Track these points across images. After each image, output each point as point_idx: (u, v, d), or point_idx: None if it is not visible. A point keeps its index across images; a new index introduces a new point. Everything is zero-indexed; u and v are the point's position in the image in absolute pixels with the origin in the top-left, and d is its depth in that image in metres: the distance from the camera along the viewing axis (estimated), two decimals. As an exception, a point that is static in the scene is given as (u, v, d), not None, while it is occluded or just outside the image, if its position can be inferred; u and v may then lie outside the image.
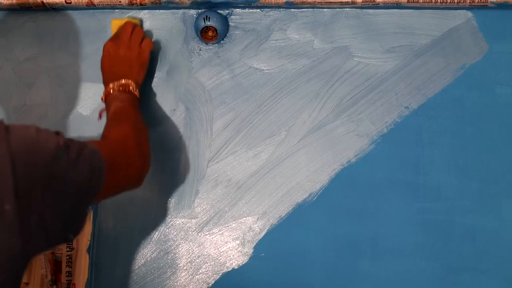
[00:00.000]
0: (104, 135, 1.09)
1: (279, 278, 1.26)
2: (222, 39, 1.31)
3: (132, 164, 1.04)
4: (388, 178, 1.26)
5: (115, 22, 1.30)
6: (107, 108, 1.18)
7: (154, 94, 1.32)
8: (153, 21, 1.33)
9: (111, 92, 1.19)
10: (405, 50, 1.27)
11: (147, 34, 1.32)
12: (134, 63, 1.23)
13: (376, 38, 1.28)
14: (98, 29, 1.34)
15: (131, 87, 1.20)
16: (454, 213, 1.24)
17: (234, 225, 1.28)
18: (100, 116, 1.28)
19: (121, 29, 1.27)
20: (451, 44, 1.26)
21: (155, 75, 1.33)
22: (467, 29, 1.26)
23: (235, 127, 1.30)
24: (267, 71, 1.30)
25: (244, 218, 1.28)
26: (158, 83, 1.32)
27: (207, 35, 1.29)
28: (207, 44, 1.31)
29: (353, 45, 1.28)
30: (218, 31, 1.28)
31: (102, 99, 1.22)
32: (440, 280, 1.23)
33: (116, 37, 1.26)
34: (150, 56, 1.26)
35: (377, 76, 1.27)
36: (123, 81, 1.19)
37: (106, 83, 1.22)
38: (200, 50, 1.32)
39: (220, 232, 1.28)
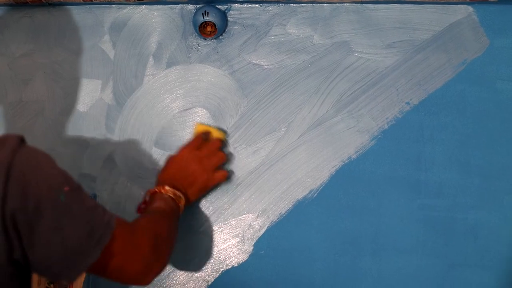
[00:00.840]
0: (135, 220, 1.03)
1: (279, 275, 1.25)
2: (221, 35, 1.30)
3: (139, 259, 0.95)
4: (389, 175, 1.25)
5: (200, 126, 1.25)
6: (151, 203, 1.12)
7: (152, 90, 1.30)
8: (151, 16, 1.32)
9: (163, 193, 1.13)
10: (406, 45, 1.26)
11: (146, 30, 1.31)
12: (197, 184, 1.18)
13: (377, 33, 1.27)
14: (94, 25, 1.33)
15: (181, 203, 1.14)
16: (456, 210, 1.23)
17: (233, 222, 1.27)
18: (139, 210, 1.15)
19: (208, 142, 1.22)
20: (452, 39, 1.25)
21: (155, 71, 1.31)
22: (468, 24, 1.25)
23: (234, 123, 1.28)
24: (266, 67, 1.29)
25: (244, 215, 1.27)
26: (156, 79, 1.31)
27: (205, 30, 1.28)
28: (205, 39, 1.30)
29: (353, 40, 1.27)
30: (217, 26, 1.27)
31: (147, 193, 1.15)
32: (441, 277, 1.23)
33: (197, 144, 1.21)
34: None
35: (378, 71, 1.26)
36: (178, 193, 1.14)
37: (163, 181, 1.16)
38: (199, 45, 1.30)
39: (220, 230, 1.27)
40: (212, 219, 1.27)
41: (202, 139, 1.22)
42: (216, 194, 1.27)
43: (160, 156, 1.29)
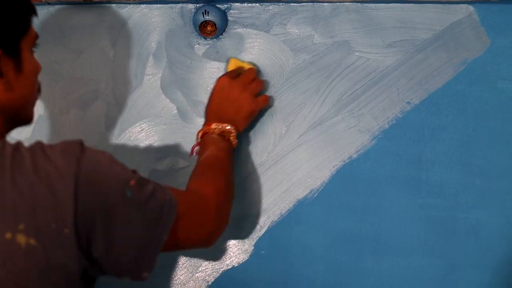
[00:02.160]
0: (190, 184, 1.04)
1: (280, 275, 1.25)
2: (221, 34, 1.29)
3: (207, 224, 0.98)
4: (390, 174, 1.25)
5: (234, 60, 1.26)
6: (202, 148, 1.13)
7: (151, 90, 1.30)
8: (150, 15, 1.31)
9: (211, 133, 1.15)
10: (407, 45, 1.26)
11: (146, 30, 1.31)
12: (244, 109, 1.18)
13: (377, 33, 1.26)
14: (94, 24, 1.32)
15: (231, 136, 1.15)
16: (457, 209, 1.23)
17: (234, 222, 1.27)
18: (192, 153, 1.19)
19: (243, 72, 1.22)
20: (453, 38, 1.25)
21: (154, 71, 1.31)
22: (469, 23, 1.25)
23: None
24: (266, 66, 1.28)
25: (245, 215, 1.27)
26: (156, 78, 1.30)
27: (206, 29, 1.28)
28: (206, 38, 1.29)
29: (354, 40, 1.27)
30: (217, 26, 1.26)
31: (198, 134, 1.17)
32: (442, 276, 1.23)
33: (233, 75, 1.21)
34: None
35: (378, 71, 1.26)
36: (228, 127, 1.15)
37: (209, 120, 1.18)
38: (199, 44, 1.30)
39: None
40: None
41: (236, 72, 1.22)
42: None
43: (160, 156, 1.29)
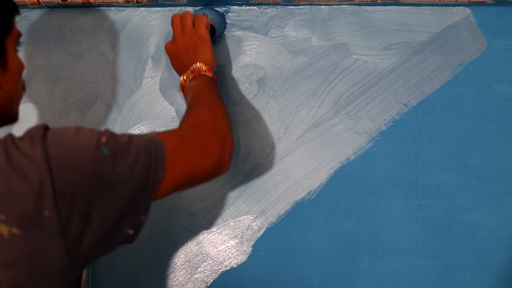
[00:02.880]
0: (179, 123, 1.03)
1: (278, 276, 1.26)
2: (219, 37, 1.30)
3: (208, 149, 0.96)
4: (387, 176, 1.25)
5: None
6: (188, 89, 1.13)
7: (150, 92, 1.31)
8: (149, 18, 1.32)
9: (184, 83, 1.15)
10: (404, 47, 1.27)
11: (145, 33, 1.32)
12: (196, 45, 1.16)
13: (374, 35, 1.27)
14: (94, 27, 1.33)
15: (202, 70, 1.14)
16: (454, 211, 1.24)
17: (232, 223, 1.27)
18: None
19: (172, 24, 1.21)
20: (450, 41, 1.26)
21: (153, 73, 1.31)
22: (465, 26, 1.26)
23: (233, 125, 1.29)
24: (264, 69, 1.29)
25: (243, 217, 1.27)
26: (155, 81, 1.31)
27: (204, 32, 1.28)
28: (204, 41, 1.30)
29: (351, 42, 1.28)
30: (215, 29, 1.27)
31: (181, 93, 1.17)
32: (439, 278, 1.23)
33: (172, 35, 1.21)
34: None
35: (376, 73, 1.27)
36: (192, 67, 1.14)
37: (180, 71, 1.18)
38: (198, 47, 1.31)
39: (219, 231, 1.27)
40: (211, 220, 1.27)
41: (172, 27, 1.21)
42: (215, 195, 1.28)
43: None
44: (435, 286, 1.23)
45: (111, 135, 0.83)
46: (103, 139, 0.81)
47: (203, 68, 1.14)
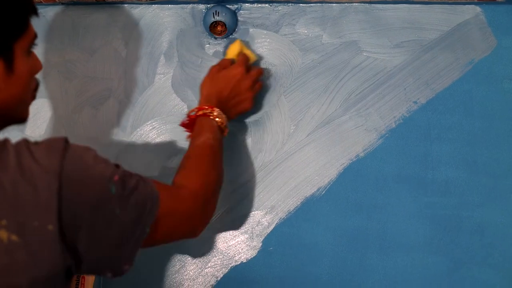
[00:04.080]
0: (179, 173, 1.05)
1: (287, 271, 1.27)
2: (231, 34, 1.31)
3: (192, 219, 1.00)
4: (396, 173, 1.26)
5: (239, 45, 1.25)
6: (199, 131, 1.12)
7: (163, 89, 1.33)
8: (162, 15, 1.33)
9: (213, 118, 1.14)
10: (414, 45, 1.27)
11: (158, 30, 1.33)
12: (242, 106, 1.20)
13: (385, 33, 1.28)
14: (107, 24, 1.35)
15: (226, 126, 1.16)
16: (462, 208, 1.24)
17: (242, 219, 1.29)
18: (183, 125, 1.18)
19: (254, 68, 1.23)
20: (460, 39, 1.26)
21: (166, 70, 1.33)
22: (475, 24, 1.26)
23: (244, 123, 1.30)
24: (275, 66, 1.30)
25: (253, 212, 1.28)
26: (167, 78, 1.33)
27: (216, 30, 1.30)
28: (216, 38, 1.31)
29: (362, 40, 1.29)
30: (227, 26, 1.28)
31: (196, 111, 1.15)
32: (447, 274, 1.24)
33: (246, 66, 1.21)
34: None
35: (386, 70, 1.28)
36: (225, 120, 1.15)
37: (210, 101, 1.16)
38: (209, 44, 1.32)
39: (229, 226, 1.29)
40: (221, 215, 1.29)
41: (247, 64, 1.23)
42: (225, 191, 1.29)
43: (171, 153, 1.31)
44: (443, 283, 1.24)
45: (123, 176, 0.85)
46: (115, 178, 0.83)
47: (225, 124, 1.15)
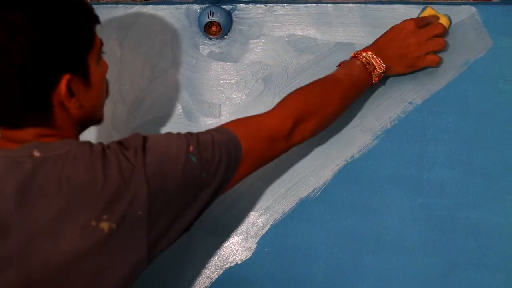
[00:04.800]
0: (288, 96, 1.13)
1: (282, 272, 1.27)
2: (226, 34, 1.31)
3: (279, 141, 1.06)
4: (391, 174, 1.26)
5: (429, 9, 1.24)
6: (343, 66, 1.19)
7: (157, 89, 1.32)
8: (157, 16, 1.33)
9: (358, 58, 1.17)
10: (409, 46, 1.27)
11: (153, 30, 1.33)
12: (408, 58, 1.19)
13: (380, 33, 1.26)
14: (102, 24, 1.33)
15: (375, 72, 1.17)
16: (458, 209, 1.24)
17: (237, 220, 1.28)
18: (339, 65, 1.22)
19: (432, 24, 1.22)
20: (455, 39, 1.26)
21: (160, 70, 1.33)
22: (471, 24, 1.26)
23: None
24: (270, 67, 1.30)
25: (248, 213, 1.28)
26: (161, 79, 1.32)
27: (210, 30, 1.29)
28: (210, 39, 1.31)
29: (357, 41, 1.28)
30: (221, 26, 1.28)
31: (354, 54, 1.20)
32: (443, 275, 1.24)
33: (422, 23, 1.21)
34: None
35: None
36: (376, 62, 1.17)
37: (374, 45, 1.20)
38: (204, 45, 1.32)
39: (224, 227, 1.28)
40: (216, 216, 1.28)
41: (427, 22, 1.22)
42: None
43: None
44: (438, 284, 1.24)
45: (197, 142, 0.93)
46: (191, 148, 0.91)
47: (379, 73, 1.18)
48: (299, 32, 1.30)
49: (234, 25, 1.31)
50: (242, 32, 1.31)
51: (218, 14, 1.27)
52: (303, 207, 1.27)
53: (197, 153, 0.91)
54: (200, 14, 1.30)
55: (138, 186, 0.86)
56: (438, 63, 1.22)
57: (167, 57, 1.33)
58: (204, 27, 1.29)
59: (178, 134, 0.96)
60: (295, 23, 1.30)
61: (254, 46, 1.30)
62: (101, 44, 0.98)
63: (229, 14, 1.30)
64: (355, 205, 1.26)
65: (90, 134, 1.31)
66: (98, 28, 1.31)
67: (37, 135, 0.91)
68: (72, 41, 0.89)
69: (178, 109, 1.32)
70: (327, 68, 1.28)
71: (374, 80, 1.17)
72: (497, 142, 1.24)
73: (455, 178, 1.24)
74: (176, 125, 1.31)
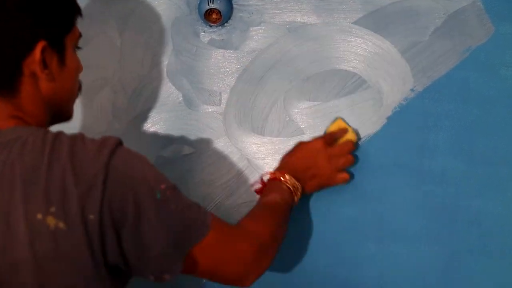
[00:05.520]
0: (243, 219, 1.07)
1: (283, 262, 1.26)
2: (226, 22, 1.30)
3: (244, 257, 0.98)
4: (393, 162, 1.25)
5: (339, 122, 1.24)
6: (267, 191, 1.15)
7: (158, 78, 1.32)
8: (157, 4, 1.32)
9: (283, 182, 1.15)
10: (410, 32, 1.26)
11: (153, 18, 1.32)
12: (320, 179, 1.19)
13: (381, 20, 1.26)
14: (101, 12, 1.34)
15: (297, 197, 1.16)
16: (459, 197, 1.23)
17: (237, 210, 1.28)
18: (257, 191, 1.21)
19: (341, 142, 1.22)
20: (457, 26, 1.24)
21: (161, 59, 1.32)
22: (472, 10, 1.24)
23: (239, 108, 1.29)
24: (272, 54, 1.29)
25: (247, 203, 1.28)
26: (162, 67, 1.32)
27: (211, 17, 1.29)
28: (211, 26, 1.30)
29: (358, 28, 1.27)
30: (222, 14, 1.27)
31: (268, 175, 1.18)
32: (444, 264, 1.23)
33: (331, 140, 1.21)
34: None
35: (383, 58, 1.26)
36: (297, 185, 1.15)
37: (284, 168, 1.18)
38: (204, 32, 1.31)
39: (223, 218, 1.27)
40: (215, 206, 1.28)
41: (335, 137, 1.22)
42: (220, 180, 1.28)
43: (165, 142, 1.30)
44: (440, 273, 1.23)
45: (173, 190, 0.87)
46: (162, 186, 0.85)
47: (299, 195, 1.16)
48: (299, 19, 1.29)
49: (235, 12, 1.30)
50: (242, 19, 1.30)
51: (218, 1, 1.26)
52: (303, 196, 1.26)
53: (164, 194, 0.85)
54: (200, 1, 1.29)
55: (94, 186, 0.79)
56: (348, 181, 1.22)
57: (167, 45, 1.32)
58: (204, 14, 1.28)
59: (161, 173, 0.89)
60: (296, 10, 1.29)
61: (255, 33, 1.30)
62: (80, 35, 0.99)
63: (229, 1, 1.29)
64: (356, 194, 1.25)
65: (89, 123, 1.31)
66: (98, 16, 1.33)
67: None
68: (55, 12, 0.91)
69: (179, 97, 1.31)
70: (329, 56, 1.27)
71: (296, 203, 1.16)
72: (499, 129, 1.22)
73: (456, 166, 1.23)
74: (176, 113, 1.31)
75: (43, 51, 0.88)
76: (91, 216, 0.79)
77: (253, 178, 1.28)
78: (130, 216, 0.81)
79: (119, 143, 0.86)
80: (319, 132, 1.27)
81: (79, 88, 1.03)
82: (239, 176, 1.29)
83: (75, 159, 0.80)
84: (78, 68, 1.00)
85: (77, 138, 0.84)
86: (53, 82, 0.91)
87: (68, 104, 1.00)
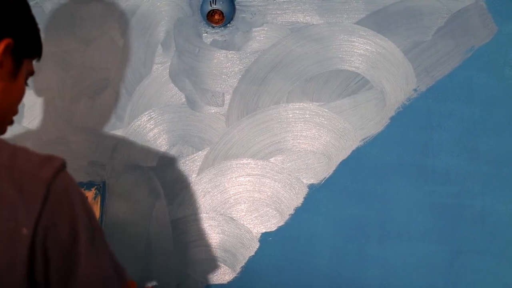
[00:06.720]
0: None
1: (287, 261, 1.26)
2: (229, 22, 1.30)
3: None
4: (396, 161, 1.25)
5: None
6: None
7: (160, 78, 1.31)
8: (159, 4, 1.32)
9: None
10: (413, 32, 1.26)
11: (155, 19, 1.32)
12: None
13: (385, 20, 1.26)
14: (104, 14, 1.34)
15: None
16: (463, 196, 1.23)
17: (242, 209, 1.28)
18: None
19: None
20: (460, 25, 1.25)
21: (163, 60, 1.32)
22: (475, 10, 1.25)
23: (242, 109, 1.29)
24: (274, 54, 1.29)
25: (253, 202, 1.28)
26: (164, 67, 1.32)
27: (213, 18, 1.29)
28: (213, 27, 1.30)
29: (362, 28, 1.27)
30: (224, 14, 1.27)
31: None
32: (448, 263, 1.23)
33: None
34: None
35: (386, 57, 1.26)
36: None
37: None
38: (207, 33, 1.31)
39: (229, 217, 1.28)
40: (220, 206, 1.28)
41: None
42: (223, 182, 1.28)
43: (168, 143, 1.30)
44: (444, 271, 1.23)
45: (99, 230, 0.84)
46: (93, 224, 0.82)
47: None
48: (302, 20, 1.29)
49: (237, 13, 1.30)
50: (245, 20, 1.30)
51: (221, 2, 1.26)
52: (307, 196, 1.26)
53: (96, 233, 0.82)
54: (203, 2, 1.29)
55: (31, 201, 0.76)
56: None
57: (170, 46, 1.32)
58: (207, 15, 1.28)
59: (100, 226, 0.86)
60: (298, 11, 1.29)
61: (257, 34, 1.30)
62: (32, 73, 0.96)
63: (231, 2, 1.29)
64: (359, 193, 1.26)
65: (92, 124, 1.30)
66: (102, 17, 1.32)
67: None
68: (28, 28, 0.91)
69: (181, 98, 1.31)
70: (331, 56, 1.27)
71: None
72: (503, 129, 1.23)
73: (460, 165, 1.23)
74: (179, 114, 1.31)
75: (5, 49, 0.84)
76: (24, 231, 0.75)
77: (256, 177, 1.28)
78: (66, 241, 0.79)
79: (64, 165, 0.82)
80: (320, 132, 1.26)
81: (15, 114, 0.95)
82: (242, 176, 1.29)
83: (14, 171, 0.77)
84: (22, 95, 0.93)
85: (21, 149, 0.81)
86: (1, 82, 0.87)
87: (8, 116, 0.93)
